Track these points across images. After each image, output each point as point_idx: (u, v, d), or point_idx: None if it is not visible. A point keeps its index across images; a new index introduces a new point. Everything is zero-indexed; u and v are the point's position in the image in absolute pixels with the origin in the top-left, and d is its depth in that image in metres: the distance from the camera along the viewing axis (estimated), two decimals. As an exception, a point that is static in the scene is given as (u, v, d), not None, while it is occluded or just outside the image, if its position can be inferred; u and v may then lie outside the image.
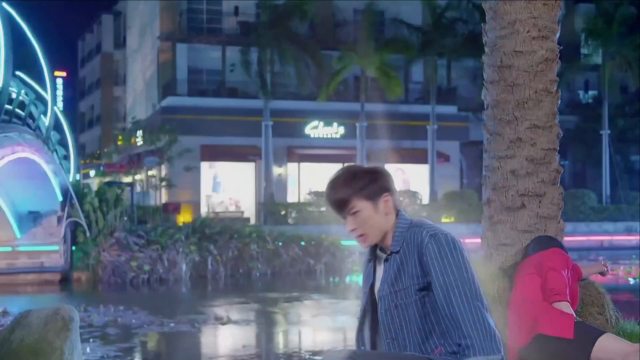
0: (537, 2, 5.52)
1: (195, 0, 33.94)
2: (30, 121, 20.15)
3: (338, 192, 2.60)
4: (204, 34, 33.64)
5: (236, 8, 33.74)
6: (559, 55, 5.68)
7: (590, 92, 40.17)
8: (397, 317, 2.60)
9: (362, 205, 2.59)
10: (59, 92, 47.56)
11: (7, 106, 17.13)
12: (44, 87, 22.15)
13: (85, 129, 57.11)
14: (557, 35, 5.74)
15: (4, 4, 15.94)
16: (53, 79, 23.88)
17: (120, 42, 47.83)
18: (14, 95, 18.20)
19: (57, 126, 23.77)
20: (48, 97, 21.58)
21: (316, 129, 32.52)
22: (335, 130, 32.68)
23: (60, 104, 43.10)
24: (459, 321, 2.45)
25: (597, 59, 34.07)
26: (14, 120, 18.26)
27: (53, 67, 24.21)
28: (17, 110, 18.53)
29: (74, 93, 61.09)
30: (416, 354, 2.55)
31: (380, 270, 2.69)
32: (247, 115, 31.02)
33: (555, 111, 5.35)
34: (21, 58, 21.87)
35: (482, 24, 5.75)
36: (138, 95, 40.68)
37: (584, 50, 34.91)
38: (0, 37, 15.35)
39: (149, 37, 36.93)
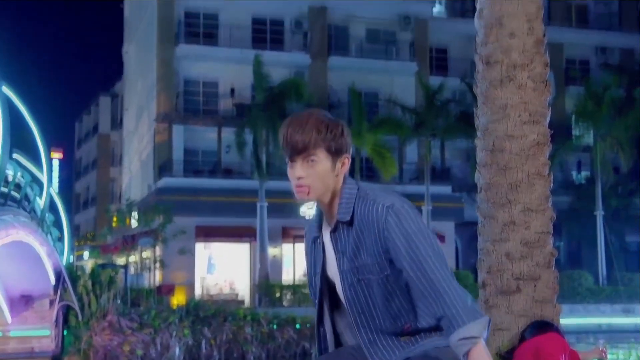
0: (527, 88, 5.63)
1: (192, 82, 34.49)
2: (25, 203, 20.15)
3: (304, 134, 2.36)
4: (200, 115, 34.07)
5: (232, 90, 34.30)
6: (550, 139, 5.74)
7: (583, 173, 40.47)
8: (362, 292, 2.43)
9: (322, 156, 2.39)
10: (55, 173, 47.76)
11: (3, 189, 17.17)
12: (40, 168, 22.24)
13: (80, 210, 57.10)
14: (548, 119, 5.84)
15: (4, 88, 16.19)
16: (49, 160, 23.99)
17: (117, 123, 48.34)
18: (10, 178, 18.25)
19: (52, 207, 23.77)
20: (44, 178, 21.65)
21: (311, 209, 32.52)
22: (330, 211, 32.67)
23: (56, 185, 43.21)
24: (439, 292, 2.30)
25: (589, 140, 34.49)
26: (9, 202, 18.26)
27: (50, 148, 24.39)
28: (13, 192, 18.56)
29: (70, 174, 61.34)
30: (386, 324, 2.42)
31: (328, 244, 2.49)
32: (242, 195, 31.11)
33: (548, 194, 5.38)
34: (18, 139, 22.03)
35: (474, 108, 5.85)
36: (134, 176, 40.86)
37: (575, 131, 35.34)
38: (-2, 121, 15.52)
39: (145, 118, 37.35)
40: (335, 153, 2.41)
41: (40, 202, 21.43)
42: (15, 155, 20.58)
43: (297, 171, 2.39)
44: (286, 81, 29.88)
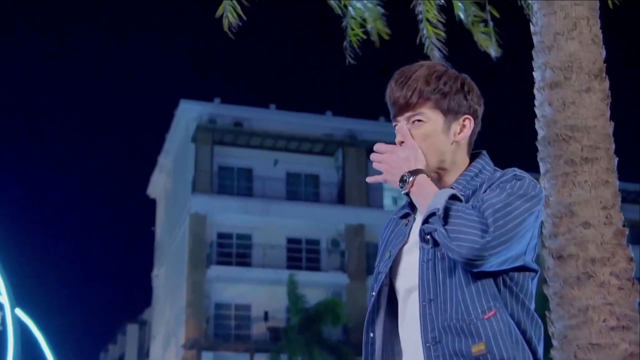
0: (611, 286, 4.66)
1: (223, 306, 33.54)
2: None
3: (407, 87, 1.97)
4: (232, 340, 32.75)
5: (266, 313, 33.22)
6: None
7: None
8: (441, 271, 1.98)
9: (431, 116, 1.99)
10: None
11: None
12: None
13: None
14: (639, 326, 4.78)
15: (18, 310, 15.36)
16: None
17: (144, 352, 46.94)
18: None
19: None
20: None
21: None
22: None
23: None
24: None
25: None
26: None
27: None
28: None
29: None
30: (463, 312, 1.93)
31: (416, 228, 2.03)
32: None
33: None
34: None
35: (545, 312, 4.82)
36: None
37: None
38: (9, 348, 14.61)
39: (173, 345, 36.04)
40: (450, 111, 2.00)
41: None
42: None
43: (398, 135, 2.03)
44: (322, 302, 29.07)
